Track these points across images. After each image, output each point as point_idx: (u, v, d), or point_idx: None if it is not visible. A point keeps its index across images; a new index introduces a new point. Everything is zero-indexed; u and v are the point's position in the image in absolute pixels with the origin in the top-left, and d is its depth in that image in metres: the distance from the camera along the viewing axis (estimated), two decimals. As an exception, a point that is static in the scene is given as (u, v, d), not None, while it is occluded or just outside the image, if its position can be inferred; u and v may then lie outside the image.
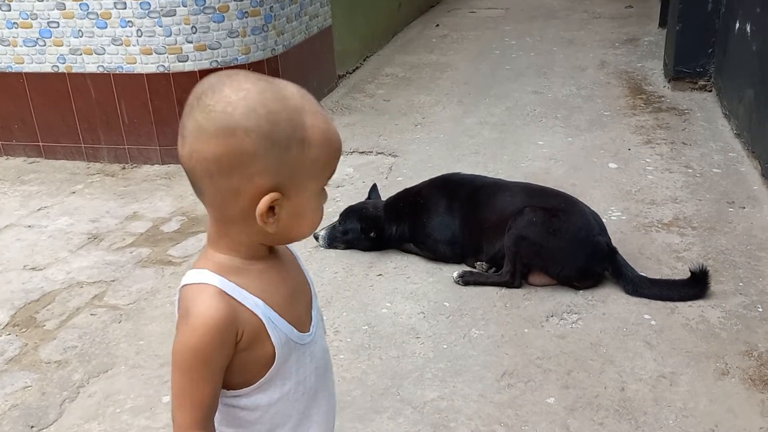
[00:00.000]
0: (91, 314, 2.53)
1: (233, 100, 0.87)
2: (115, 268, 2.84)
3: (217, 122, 0.86)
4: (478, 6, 8.67)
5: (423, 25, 7.43)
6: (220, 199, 0.91)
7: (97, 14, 3.62)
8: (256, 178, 0.88)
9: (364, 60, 5.96)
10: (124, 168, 3.88)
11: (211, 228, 0.97)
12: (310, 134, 0.90)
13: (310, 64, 4.61)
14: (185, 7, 3.57)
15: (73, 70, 3.77)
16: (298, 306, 1.03)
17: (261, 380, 0.98)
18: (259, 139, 0.86)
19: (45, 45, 3.75)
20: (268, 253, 1.00)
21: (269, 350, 0.97)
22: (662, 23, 6.61)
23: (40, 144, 4.00)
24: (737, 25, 4.10)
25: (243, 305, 0.93)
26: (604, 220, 2.74)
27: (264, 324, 0.95)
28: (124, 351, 2.31)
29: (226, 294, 0.93)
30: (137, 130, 3.83)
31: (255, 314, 0.94)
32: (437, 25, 7.37)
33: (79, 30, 3.67)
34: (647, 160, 3.73)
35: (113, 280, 2.75)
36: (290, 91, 0.91)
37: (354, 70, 5.65)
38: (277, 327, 0.96)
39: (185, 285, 0.95)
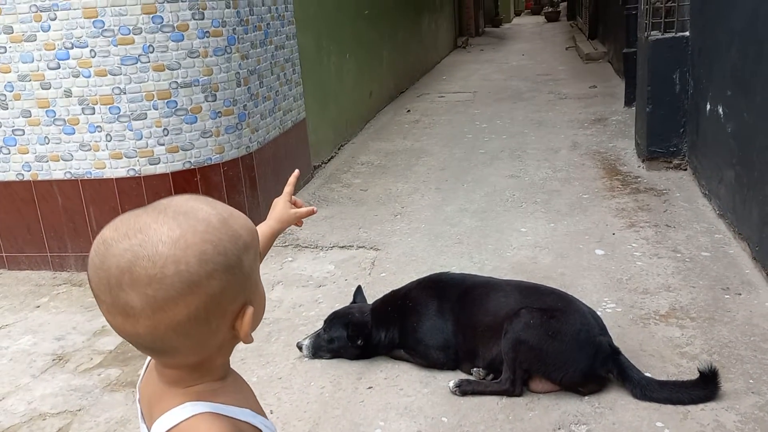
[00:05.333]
0: (56, 452, 2.30)
1: (178, 255, 0.81)
2: (81, 394, 2.61)
3: (178, 284, 0.81)
4: (446, 90, 8.83)
5: (394, 111, 7.50)
6: (199, 346, 0.87)
7: (64, 120, 3.50)
8: (229, 308, 0.87)
9: (339, 149, 5.92)
10: (92, 276, 3.67)
11: (174, 373, 0.90)
12: (244, 236, 0.88)
13: (286, 158, 4.53)
14: (156, 110, 3.48)
15: (39, 178, 3.62)
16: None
17: None
18: (222, 276, 0.84)
19: (9, 153, 3.61)
20: None
21: None
22: (628, 102, 6.74)
23: (3, 254, 3.80)
24: (708, 106, 4.14)
25: (240, 420, 0.91)
26: (599, 312, 2.62)
27: (261, 431, 0.93)
28: (93, 496, 2.07)
29: (223, 415, 0.89)
30: (106, 235, 3.65)
31: (251, 425, 0.92)
32: (408, 111, 7.44)
33: (46, 137, 3.55)
34: (633, 245, 3.66)
35: (79, 409, 2.52)
36: (202, 209, 0.86)
37: (329, 160, 5.60)
38: (267, 427, 0.95)
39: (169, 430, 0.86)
